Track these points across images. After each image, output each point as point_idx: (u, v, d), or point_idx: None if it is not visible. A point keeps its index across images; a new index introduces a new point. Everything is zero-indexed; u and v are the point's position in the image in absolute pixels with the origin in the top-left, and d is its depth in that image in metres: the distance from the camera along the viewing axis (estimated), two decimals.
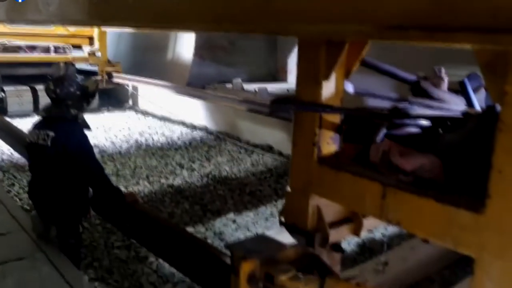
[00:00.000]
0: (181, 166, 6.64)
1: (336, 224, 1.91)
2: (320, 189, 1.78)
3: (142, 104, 10.82)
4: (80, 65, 10.84)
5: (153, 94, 10.19)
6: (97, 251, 4.07)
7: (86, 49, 10.43)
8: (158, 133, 8.68)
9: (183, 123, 9.36)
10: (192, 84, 9.76)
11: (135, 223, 2.84)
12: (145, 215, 2.80)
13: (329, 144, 1.81)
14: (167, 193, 5.59)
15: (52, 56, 9.71)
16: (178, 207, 5.15)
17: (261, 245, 1.79)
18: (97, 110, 10.26)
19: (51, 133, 2.64)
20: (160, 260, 3.90)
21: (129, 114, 10.32)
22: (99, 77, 10.15)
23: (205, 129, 8.89)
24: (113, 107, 10.77)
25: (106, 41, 10.42)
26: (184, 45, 10.53)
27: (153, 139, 8.20)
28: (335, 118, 1.81)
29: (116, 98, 10.98)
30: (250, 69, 11.07)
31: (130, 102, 11.10)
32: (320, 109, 1.67)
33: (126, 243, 4.24)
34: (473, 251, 1.34)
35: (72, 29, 9.85)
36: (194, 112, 9.39)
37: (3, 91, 9.12)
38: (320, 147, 1.78)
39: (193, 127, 9.13)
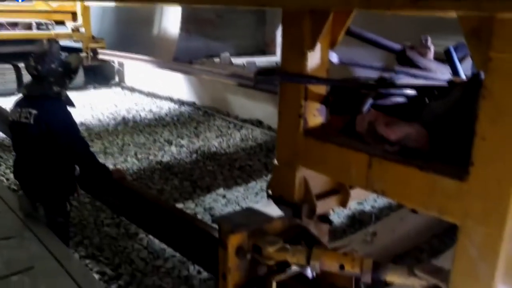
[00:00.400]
0: (170, 143, 6.61)
1: (323, 195, 1.92)
2: (306, 161, 1.78)
3: (129, 80, 10.69)
4: (64, 42, 10.62)
5: (139, 70, 10.06)
6: (87, 229, 4.07)
7: (70, 25, 10.20)
8: (145, 109, 8.61)
9: (171, 99, 9.29)
10: (179, 59, 9.64)
11: (123, 200, 2.83)
12: (133, 192, 2.79)
13: (316, 116, 1.80)
14: (156, 170, 5.57)
15: (35, 33, 9.51)
16: (168, 184, 5.14)
17: (248, 218, 1.80)
18: (83, 87, 10.13)
19: (34, 111, 2.59)
20: (150, 237, 3.92)
21: (116, 91, 10.21)
22: (83, 54, 9.97)
23: (193, 105, 8.83)
24: (99, 84, 10.63)
25: (90, 17, 10.20)
26: (170, 19, 10.36)
27: (140, 116, 8.13)
28: (321, 90, 1.79)
29: (102, 75, 10.82)
30: (238, 43, 10.95)
31: (116, 78, 10.96)
32: (305, 80, 1.66)
33: (115, 221, 4.25)
34: (457, 218, 1.36)
35: (54, 5, 9.63)
36: (182, 88, 9.30)
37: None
38: (306, 119, 1.77)
39: (181, 102, 9.06)
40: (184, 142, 6.65)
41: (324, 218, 2.02)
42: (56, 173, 2.70)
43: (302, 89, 1.72)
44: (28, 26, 9.51)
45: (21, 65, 9.06)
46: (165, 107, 8.83)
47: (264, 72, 1.59)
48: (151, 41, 10.78)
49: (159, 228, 2.62)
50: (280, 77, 1.59)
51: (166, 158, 5.96)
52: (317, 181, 1.88)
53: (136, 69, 10.17)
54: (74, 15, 10.18)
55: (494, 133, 1.23)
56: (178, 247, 2.67)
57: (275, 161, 1.90)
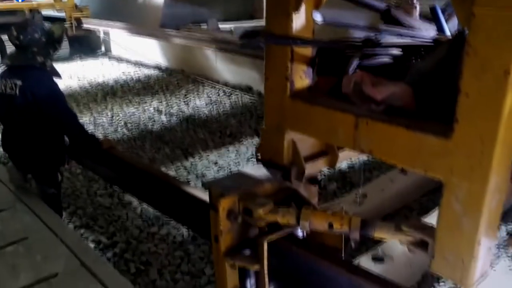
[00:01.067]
0: (160, 112, 6.58)
1: (311, 157, 1.94)
2: (294, 124, 1.78)
3: (115, 50, 10.52)
4: (46, 12, 10.39)
5: (126, 40, 9.89)
6: (80, 200, 4.09)
7: None
8: (133, 79, 8.52)
9: (159, 68, 9.18)
10: (166, 25, 9.47)
11: (113, 169, 2.84)
12: (123, 161, 2.80)
13: (302, 78, 1.80)
14: (147, 139, 5.57)
15: (16, 3, 9.27)
16: (159, 152, 5.15)
17: (238, 181, 1.82)
18: (69, 58, 9.98)
19: (19, 82, 2.56)
20: (144, 205, 3.95)
21: (103, 61, 10.05)
22: (67, 24, 9.76)
23: (181, 73, 8.73)
24: (86, 55, 10.46)
25: None
26: None
27: (129, 85, 8.05)
28: (307, 51, 1.78)
29: (88, 46, 10.64)
30: (225, 8, 10.77)
31: (103, 48, 10.78)
32: (290, 42, 1.65)
33: (109, 191, 4.27)
34: (442, 175, 1.38)
35: None
36: (170, 56, 9.18)
37: None
38: (293, 81, 1.77)
39: (170, 71, 8.95)
40: (174, 110, 6.62)
41: (313, 180, 2.04)
42: (45, 144, 2.69)
43: (288, 51, 1.71)
44: None
45: (3, 36, 8.88)
46: (154, 75, 8.74)
47: (249, 35, 1.57)
48: (137, 9, 10.57)
49: (151, 195, 2.64)
50: (265, 39, 1.58)
51: (156, 127, 5.95)
52: (305, 143, 1.90)
53: (123, 38, 9.98)
54: None
55: (478, 90, 1.25)
56: (170, 213, 2.70)
57: (263, 125, 1.91)
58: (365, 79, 1.59)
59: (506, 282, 2.75)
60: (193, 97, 7.32)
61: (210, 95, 7.38)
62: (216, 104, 6.91)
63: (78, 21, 9.98)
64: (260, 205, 1.70)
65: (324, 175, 4.58)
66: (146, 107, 6.78)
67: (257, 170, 1.89)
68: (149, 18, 10.05)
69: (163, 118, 6.31)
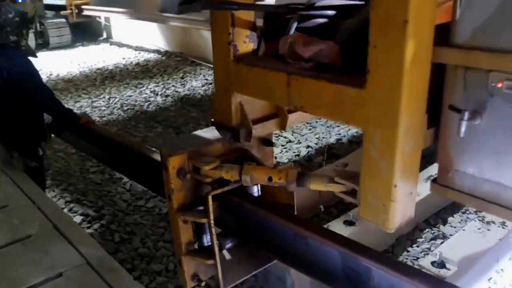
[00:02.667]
0: (155, 93, 6.71)
1: (261, 119, 2.04)
2: (238, 87, 1.88)
3: (116, 36, 10.64)
4: (47, 0, 10.53)
5: (126, 25, 9.99)
6: (72, 177, 4.26)
7: None
8: (132, 63, 8.64)
9: (158, 51, 9.28)
10: (167, 10, 9.53)
11: (91, 142, 2.97)
12: (99, 134, 2.93)
13: (246, 42, 1.89)
14: (141, 119, 5.70)
15: None
16: (152, 131, 5.29)
17: (188, 141, 1.93)
18: (71, 46, 10.15)
19: None
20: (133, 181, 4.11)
21: (104, 47, 10.19)
22: (68, 11, 9.90)
23: (180, 55, 8.82)
24: (87, 41, 10.61)
25: None
26: None
27: (127, 69, 8.19)
28: (249, 16, 1.87)
29: (89, 32, 10.79)
30: None
31: (104, 34, 10.91)
32: (226, 7, 1.73)
33: (101, 168, 4.43)
34: (360, 124, 1.48)
35: None
36: (169, 39, 9.27)
37: None
38: (236, 46, 1.86)
39: (169, 54, 9.04)
40: (169, 92, 6.74)
41: (267, 142, 2.15)
42: (24, 119, 2.83)
43: (228, 17, 1.80)
44: None
45: None
46: (153, 59, 8.85)
47: (187, 1, 1.66)
48: None
49: (124, 164, 2.78)
50: (201, 5, 1.66)
51: (151, 108, 6.08)
52: (254, 106, 2.00)
53: (123, 24, 10.10)
54: None
55: (383, 41, 1.33)
56: (141, 181, 2.83)
57: (214, 89, 2.01)
58: (298, 40, 1.68)
59: (474, 242, 2.84)
60: (190, 78, 7.42)
61: (207, 76, 7.47)
62: (211, 85, 7.01)
63: (79, 8, 10.09)
64: (206, 163, 1.82)
65: (311, 148, 4.69)
66: (142, 90, 6.92)
67: (209, 132, 2.00)
68: (149, 4, 10.12)
69: (159, 99, 6.45)
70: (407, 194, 1.51)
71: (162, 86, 7.07)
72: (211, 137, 1.95)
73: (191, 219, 1.89)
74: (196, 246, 2.03)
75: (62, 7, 10.12)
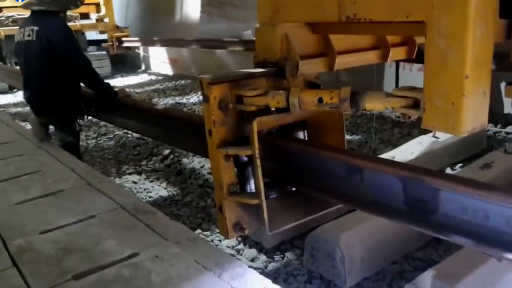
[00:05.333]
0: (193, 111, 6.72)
1: (308, 56, 1.90)
2: (284, 13, 1.77)
3: (155, 66, 10.90)
4: (90, 36, 10.97)
5: (164, 57, 10.25)
6: (110, 177, 4.19)
7: (94, 16, 10.50)
8: (170, 88, 8.77)
9: (195, 78, 9.40)
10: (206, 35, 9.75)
11: (130, 116, 2.90)
12: (140, 107, 2.86)
13: None
14: None
15: None
16: None
17: (230, 74, 1.81)
18: (110, 76, 10.43)
19: (35, 28, 2.70)
20: (171, 179, 4.02)
21: (142, 77, 10.44)
22: (109, 43, 10.26)
23: None
24: (127, 73, 10.90)
25: (113, 6, 10.46)
26: (191, 4, 10.50)
27: (165, 93, 8.30)
28: None
29: (128, 64, 11.11)
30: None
31: (143, 66, 11.20)
32: None
33: (137, 170, 4.37)
34: (423, 13, 1.31)
35: None
36: (206, 67, 9.40)
37: (17, 64, 9.34)
38: None
39: None
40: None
41: (313, 85, 2.00)
42: (62, 90, 2.80)
43: None
44: None
45: None
46: (190, 85, 8.97)
47: None
48: (174, 28, 10.95)
49: (168, 134, 2.67)
50: None
51: None
52: (300, 41, 1.86)
53: (161, 56, 10.36)
54: (97, 6, 10.48)
55: None
56: (189, 147, 2.71)
57: (257, 24, 1.90)
58: None
59: None
60: None
61: None
62: None
63: (119, 41, 10.43)
64: (251, 90, 1.68)
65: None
66: (180, 108, 6.95)
67: (252, 69, 1.88)
68: (186, 36, 10.39)
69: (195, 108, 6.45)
70: (479, 93, 1.32)
71: (199, 104, 7.09)
72: (255, 71, 1.82)
73: (233, 152, 1.74)
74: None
75: (104, 41, 10.50)
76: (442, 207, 1.40)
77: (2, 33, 9.40)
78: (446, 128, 1.36)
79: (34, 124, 2.92)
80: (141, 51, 10.90)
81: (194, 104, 6.93)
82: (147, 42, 9.88)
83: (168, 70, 10.27)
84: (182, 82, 9.31)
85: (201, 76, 1.82)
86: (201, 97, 6.32)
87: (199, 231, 3.10)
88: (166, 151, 4.67)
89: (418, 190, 1.45)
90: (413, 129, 4.74)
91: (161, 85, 9.21)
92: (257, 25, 1.91)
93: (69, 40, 2.74)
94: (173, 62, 10.22)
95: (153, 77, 10.26)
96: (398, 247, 2.60)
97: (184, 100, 7.60)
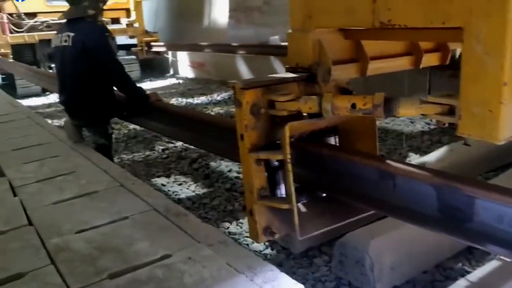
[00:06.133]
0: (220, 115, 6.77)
1: (340, 62, 1.90)
2: (316, 19, 1.78)
3: (183, 71, 11.04)
4: (119, 40, 11.18)
5: (192, 60, 10.36)
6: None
7: (124, 21, 10.71)
8: (198, 93, 8.86)
9: (223, 83, 9.48)
10: (234, 40, 9.83)
11: (161, 119, 2.95)
12: (171, 111, 2.90)
13: None
14: None
15: None
16: None
17: (262, 79, 1.82)
18: (139, 81, 10.59)
19: (71, 34, 2.79)
20: (199, 183, 4.07)
21: (171, 81, 10.59)
22: (138, 48, 10.43)
23: None
24: (155, 77, 11.06)
25: (142, 12, 10.65)
26: (218, 9, 10.60)
27: (193, 97, 8.39)
28: None
29: (157, 68, 11.27)
30: (287, 28, 10.95)
31: (171, 71, 11.35)
32: None
33: (166, 173, 4.43)
34: (461, 19, 1.30)
35: (108, 3, 10.16)
36: (233, 71, 9.47)
37: (50, 68, 9.61)
38: None
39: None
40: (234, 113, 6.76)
41: (345, 90, 1.99)
42: (96, 93, 2.87)
43: None
44: None
45: None
46: (218, 90, 9.05)
47: None
48: (202, 34, 11.07)
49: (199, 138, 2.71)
50: None
51: None
52: (332, 46, 1.87)
53: (189, 60, 10.48)
54: (127, 11, 10.68)
55: None
56: (219, 151, 2.74)
57: (289, 30, 1.92)
58: None
59: None
60: None
61: None
62: None
63: (148, 46, 10.61)
64: (283, 95, 1.70)
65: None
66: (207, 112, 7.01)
67: (282, 74, 1.89)
68: (214, 41, 10.49)
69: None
70: None
71: (225, 109, 7.14)
72: (287, 77, 1.84)
73: (265, 156, 1.75)
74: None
75: (133, 46, 10.69)
76: (477, 216, 1.38)
77: (36, 38, 9.69)
78: (483, 135, 1.34)
79: (69, 126, 3.00)
80: (169, 56, 11.05)
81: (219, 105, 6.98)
82: (176, 47, 10.02)
83: (196, 74, 10.38)
84: (209, 86, 9.39)
85: (233, 81, 1.85)
86: (225, 98, 6.42)
87: (227, 234, 3.12)
88: (194, 155, 4.72)
89: (453, 198, 1.43)
90: (443, 136, 4.67)
91: (188, 89, 9.32)
92: (289, 30, 1.93)
93: (103, 45, 2.81)
94: (200, 66, 10.32)
95: (182, 82, 10.38)
96: (430, 256, 2.56)
97: (210, 104, 7.67)
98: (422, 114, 1.52)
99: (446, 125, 1.51)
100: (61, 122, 5.65)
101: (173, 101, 8.28)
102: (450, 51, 2.22)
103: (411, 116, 1.60)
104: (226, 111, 7.11)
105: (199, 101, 8.11)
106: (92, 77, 2.83)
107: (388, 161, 1.67)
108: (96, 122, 2.94)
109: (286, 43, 1.97)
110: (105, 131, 2.96)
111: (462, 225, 1.41)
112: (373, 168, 1.65)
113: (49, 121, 5.94)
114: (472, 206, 1.38)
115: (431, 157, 3.77)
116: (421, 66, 2.15)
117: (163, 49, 10.48)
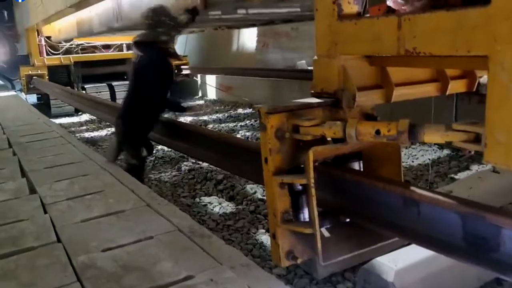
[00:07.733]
0: (247, 138, 6.81)
1: (365, 88, 1.92)
2: (342, 46, 1.80)
3: (212, 93, 11.21)
4: None
5: (220, 83, 10.53)
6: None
7: None
8: (225, 115, 8.96)
9: (250, 105, 9.57)
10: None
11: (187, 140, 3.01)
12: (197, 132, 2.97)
13: (351, 3, 1.83)
14: None
15: (125, 53, 10.37)
16: None
17: (287, 105, 1.85)
18: None
19: (140, 53, 2.98)
20: (223, 204, 4.09)
21: (199, 103, 10.74)
22: None
23: None
24: (184, 99, 11.24)
25: None
26: (247, 35, 10.79)
27: (220, 120, 8.49)
28: None
29: (186, 91, 11.47)
30: (313, 53, 11.03)
31: (200, 93, 11.54)
32: None
33: (191, 194, 4.47)
34: (485, 47, 1.31)
35: None
36: (260, 95, 9.56)
37: (84, 89, 9.92)
38: (341, 5, 1.81)
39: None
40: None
41: (369, 116, 2.00)
42: (136, 114, 3.00)
43: None
44: (119, 48, 10.41)
45: (114, 83, 9.99)
46: (244, 111, 9.14)
47: None
48: (231, 59, 11.28)
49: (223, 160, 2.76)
50: None
51: None
52: (357, 72, 1.89)
53: (217, 83, 10.66)
54: None
55: None
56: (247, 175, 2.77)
57: (315, 57, 1.95)
58: None
59: None
60: None
61: None
62: None
63: (178, 69, 10.82)
64: (307, 120, 1.72)
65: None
66: (234, 134, 7.08)
67: (307, 99, 1.91)
68: (242, 64, 10.65)
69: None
70: None
71: (251, 132, 7.20)
72: (312, 102, 1.86)
73: (289, 180, 1.76)
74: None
75: None
76: (503, 246, 1.35)
77: (71, 60, 10.03)
78: (508, 164, 1.33)
79: (112, 144, 3.11)
80: (198, 79, 11.25)
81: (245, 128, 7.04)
82: (204, 70, 10.20)
83: (224, 97, 10.52)
84: (237, 109, 9.49)
85: (259, 105, 1.89)
86: (251, 123, 6.47)
87: (250, 257, 3.11)
88: (220, 176, 4.76)
89: (479, 227, 1.41)
90: (471, 163, 4.58)
91: (216, 111, 9.43)
92: (315, 57, 1.96)
93: (152, 66, 2.96)
94: (228, 89, 10.47)
95: (210, 104, 10.54)
96: (455, 285, 2.50)
97: (238, 127, 7.74)
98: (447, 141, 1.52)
99: (472, 152, 1.50)
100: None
101: (201, 123, 8.39)
102: (477, 78, 2.21)
103: (436, 142, 1.59)
104: (252, 133, 7.16)
105: (226, 124, 8.19)
106: (137, 97, 2.99)
107: (413, 188, 1.66)
108: (129, 141, 3.05)
109: (312, 67, 2.00)
110: (138, 152, 3.06)
111: (488, 255, 1.39)
112: (397, 195, 1.64)
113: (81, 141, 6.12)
114: (498, 236, 1.36)
115: (458, 184, 3.70)
116: (447, 93, 2.15)
117: (193, 72, 10.68)
